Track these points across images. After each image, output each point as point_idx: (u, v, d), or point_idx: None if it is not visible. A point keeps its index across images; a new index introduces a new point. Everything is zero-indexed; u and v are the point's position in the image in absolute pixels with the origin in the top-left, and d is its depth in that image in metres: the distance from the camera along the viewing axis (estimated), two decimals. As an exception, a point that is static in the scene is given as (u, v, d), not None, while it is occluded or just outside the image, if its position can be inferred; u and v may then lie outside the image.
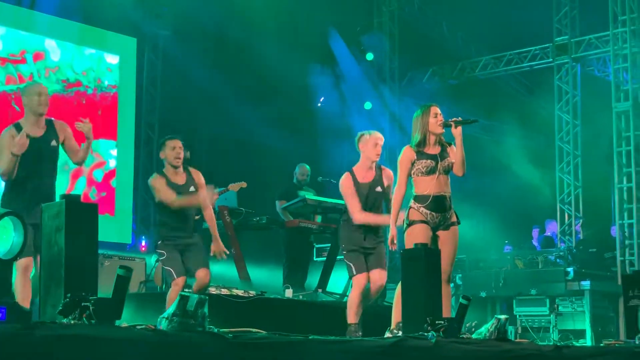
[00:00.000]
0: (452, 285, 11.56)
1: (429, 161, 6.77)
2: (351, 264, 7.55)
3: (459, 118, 6.87)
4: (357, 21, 15.33)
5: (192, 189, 7.54)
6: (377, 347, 4.99)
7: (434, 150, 6.84)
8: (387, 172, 7.73)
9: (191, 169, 7.68)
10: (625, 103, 13.05)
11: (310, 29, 13.06)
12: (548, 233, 14.87)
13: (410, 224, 6.74)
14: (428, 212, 6.73)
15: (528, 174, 14.82)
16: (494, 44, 15.57)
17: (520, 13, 14.07)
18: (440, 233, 6.81)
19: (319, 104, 15.45)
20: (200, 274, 7.38)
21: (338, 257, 10.43)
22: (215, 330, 4.68)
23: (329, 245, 10.42)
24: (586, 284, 11.65)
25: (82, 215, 5.02)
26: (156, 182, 7.49)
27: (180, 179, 7.51)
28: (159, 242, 7.44)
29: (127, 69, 13.36)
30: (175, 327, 4.50)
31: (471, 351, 5.39)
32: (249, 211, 10.25)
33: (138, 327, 4.50)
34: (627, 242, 12.86)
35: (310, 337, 4.80)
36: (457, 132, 6.80)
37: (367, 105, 15.51)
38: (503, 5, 14.06)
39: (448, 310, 6.65)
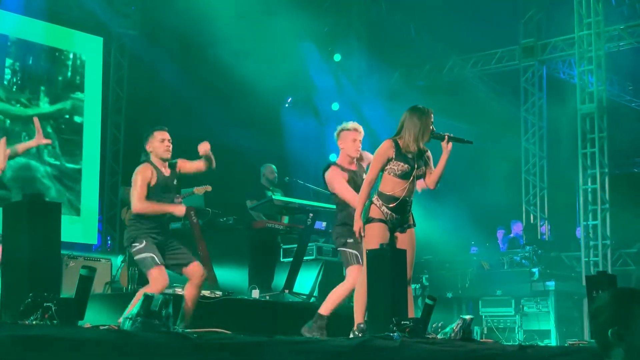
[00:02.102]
0: (418, 285, 11.66)
1: (406, 166, 6.57)
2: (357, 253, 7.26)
3: (452, 135, 6.76)
4: (325, 22, 15.33)
5: (175, 182, 7.39)
6: (343, 348, 4.99)
7: (413, 154, 6.63)
8: (366, 155, 7.52)
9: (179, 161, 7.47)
10: (590, 105, 13.16)
11: (277, 29, 13.02)
12: (513, 234, 14.97)
13: (369, 221, 6.58)
14: (389, 212, 6.59)
15: (494, 175, 14.91)
16: (461, 46, 15.65)
17: (487, 15, 14.15)
18: (397, 235, 6.68)
19: (287, 105, 15.44)
20: (195, 267, 7.25)
21: (305, 258, 10.44)
22: (180, 330, 4.65)
23: (296, 246, 10.41)
24: (551, 284, 11.74)
25: (44, 214, 4.97)
26: (142, 173, 7.15)
27: (166, 171, 7.35)
28: (134, 234, 7.07)
29: (93, 68, 13.27)
30: (139, 327, 4.47)
31: (436, 351, 5.41)
32: (215, 212, 10.20)
33: (101, 327, 4.47)
34: (591, 243, 12.97)
35: (275, 338, 4.79)
36: (448, 147, 6.67)
37: (335, 106, 15.53)
38: (470, 8, 14.14)
39: (411, 311, 6.60)
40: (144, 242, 7.04)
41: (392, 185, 6.60)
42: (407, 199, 6.65)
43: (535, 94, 15.27)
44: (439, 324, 7.03)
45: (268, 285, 10.33)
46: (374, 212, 6.60)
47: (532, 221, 14.96)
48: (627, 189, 15.06)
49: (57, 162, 12.62)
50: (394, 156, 6.59)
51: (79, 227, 12.63)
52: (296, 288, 10.04)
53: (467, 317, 6.22)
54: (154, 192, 7.17)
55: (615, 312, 2.92)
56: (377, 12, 15.87)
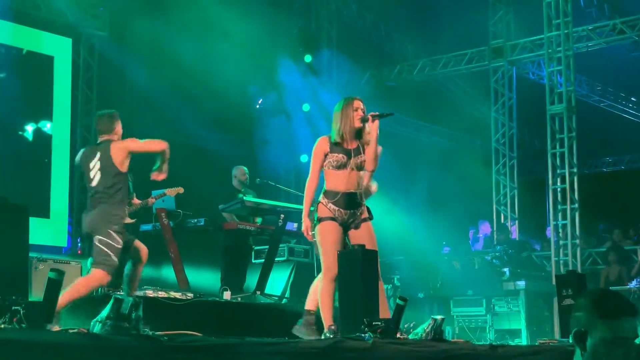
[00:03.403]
0: (390, 286, 11.66)
1: (340, 155, 6.52)
2: None
3: (377, 112, 6.67)
4: (295, 23, 15.32)
5: None
6: (314, 349, 4.99)
7: (350, 145, 6.58)
8: None
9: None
10: (559, 105, 13.26)
11: (247, 30, 12.99)
12: (481, 234, 15.05)
13: (319, 220, 6.52)
14: (336, 208, 6.50)
15: (465, 175, 14.98)
16: (431, 46, 15.71)
17: (457, 16, 14.21)
18: (351, 232, 6.60)
19: (257, 106, 15.40)
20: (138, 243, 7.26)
21: (276, 259, 10.42)
22: (150, 333, 4.63)
23: (267, 247, 10.40)
24: (521, 284, 11.81)
25: (11, 217, 4.91)
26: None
27: None
28: (115, 227, 6.88)
29: (62, 69, 13.17)
30: (108, 330, 4.44)
31: (408, 351, 5.42)
32: (186, 213, 10.16)
33: (70, 330, 4.43)
34: (561, 242, 13.06)
35: (246, 339, 4.77)
36: (374, 126, 6.57)
37: (305, 107, 15.51)
38: (440, 9, 14.20)
39: (385, 307, 6.57)
40: (121, 242, 6.95)
41: (333, 180, 6.55)
42: (353, 191, 6.55)
43: (505, 95, 15.36)
44: (411, 324, 7.04)
45: (240, 286, 10.31)
46: (322, 211, 6.53)
47: (502, 221, 15.04)
48: (596, 188, 15.20)
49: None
50: (329, 150, 6.57)
51: (49, 229, 12.53)
52: (268, 289, 10.03)
53: (439, 317, 6.24)
54: None
55: (587, 316, 2.97)
56: (347, 13, 15.89)
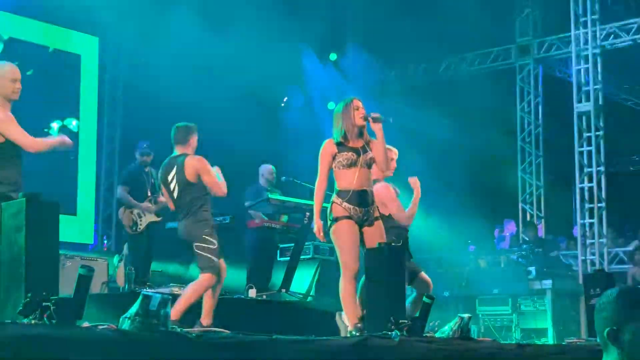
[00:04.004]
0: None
1: (350, 154, 6.61)
2: None
3: (378, 114, 6.75)
4: (321, 21, 15.31)
5: None
6: (342, 347, 4.99)
7: (355, 144, 6.68)
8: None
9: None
10: (587, 104, 13.18)
11: (274, 29, 13.01)
12: (506, 233, 14.98)
13: (335, 220, 6.56)
14: (351, 206, 6.54)
15: (490, 173, 14.92)
16: (457, 44, 15.64)
17: (483, 14, 14.14)
18: (365, 229, 6.63)
19: (282, 104, 15.42)
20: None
21: (302, 257, 10.43)
22: (178, 330, 4.65)
23: (293, 245, 10.40)
24: (548, 283, 11.74)
25: (43, 214, 4.95)
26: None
27: None
28: (206, 231, 7.26)
29: (89, 67, 13.25)
30: (137, 327, 4.46)
31: (434, 350, 5.41)
32: (212, 211, 10.18)
33: (100, 327, 4.46)
34: (588, 241, 12.98)
35: (273, 337, 4.78)
36: (376, 127, 6.66)
37: (331, 105, 15.49)
38: (466, 6, 14.12)
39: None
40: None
41: (344, 179, 6.62)
42: (364, 189, 6.62)
43: (531, 93, 15.29)
44: (436, 323, 7.04)
45: (265, 284, 10.32)
46: (337, 211, 6.57)
47: (528, 219, 14.96)
48: (623, 187, 15.09)
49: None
50: (336, 150, 6.66)
51: (76, 227, 12.62)
52: (293, 287, 10.04)
53: (465, 315, 6.23)
54: None
55: (616, 312, 2.93)
56: (373, 11, 15.85)
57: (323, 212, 6.78)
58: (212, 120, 12.63)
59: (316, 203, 6.73)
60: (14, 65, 6.51)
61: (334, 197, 6.62)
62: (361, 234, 6.62)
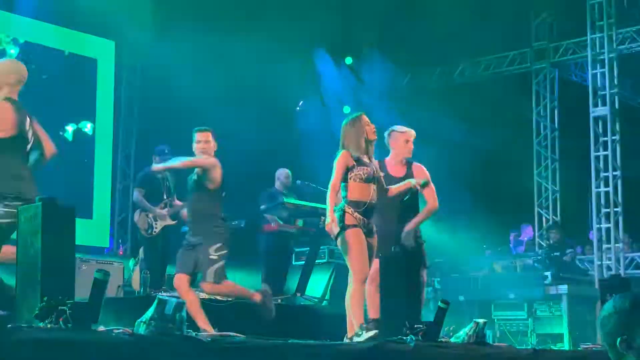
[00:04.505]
0: (430, 289, 11.64)
1: (368, 169, 6.89)
2: None
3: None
4: (336, 25, 15.31)
5: None
6: (356, 351, 4.99)
7: (367, 159, 6.97)
8: (419, 167, 7.78)
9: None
10: (603, 108, 13.13)
11: (289, 32, 13.03)
12: (524, 238, 14.91)
13: (346, 227, 6.75)
14: (362, 217, 6.78)
15: (506, 178, 14.87)
16: (473, 48, 15.61)
17: (499, 18, 14.10)
18: (368, 240, 6.85)
19: (298, 108, 15.42)
20: None
21: (317, 261, 10.43)
22: (194, 334, 4.65)
23: (308, 249, 10.40)
24: (564, 288, 11.67)
25: (59, 218, 4.97)
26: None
27: None
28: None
29: (105, 71, 13.29)
30: (153, 331, 4.47)
31: (450, 355, 5.40)
32: (227, 215, 10.20)
33: (115, 331, 4.47)
34: (604, 246, 12.92)
35: (289, 341, 4.79)
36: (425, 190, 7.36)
37: (346, 109, 15.51)
38: (482, 10, 14.09)
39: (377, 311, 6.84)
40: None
41: (359, 191, 6.83)
42: (373, 203, 6.88)
43: (547, 97, 15.23)
44: (451, 328, 7.03)
45: (280, 288, 10.32)
46: (349, 219, 6.78)
47: (544, 224, 14.89)
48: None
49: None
50: (355, 164, 6.88)
51: (92, 230, 12.66)
52: (308, 291, 10.04)
53: (481, 320, 6.21)
54: None
55: (621, 320, 2.91)
56: (388, 15, 15.83)
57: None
58: (227, 124, 12.66)
59: (331, 198, 6.86)
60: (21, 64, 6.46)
61: (345, 207, 6.82)
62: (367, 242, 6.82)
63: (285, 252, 10.84)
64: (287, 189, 10.98)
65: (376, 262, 6.91)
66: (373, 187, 6.87)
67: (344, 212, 6.78)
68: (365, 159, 6.93)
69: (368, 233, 6.83)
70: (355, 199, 6.82)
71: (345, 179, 6.86)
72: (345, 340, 6.54)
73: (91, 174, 13.03)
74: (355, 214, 6.76)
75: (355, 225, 6.74)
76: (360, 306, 6.65)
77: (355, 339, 6.28)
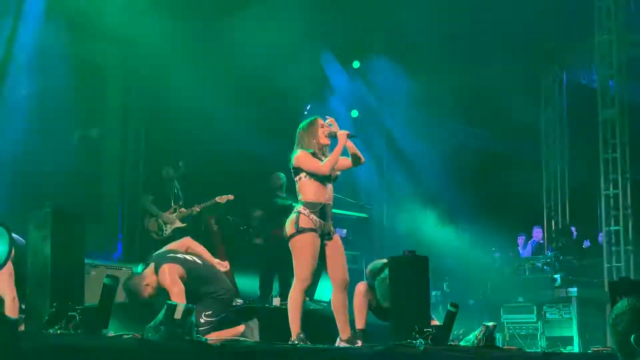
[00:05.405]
0: (439, 292, 11.61)
1: None
2: None
3: (347, 132, 6.99)
4: (344, 28, 15.32)
5: None
6: (365, 355, 4.98)
7: (322, 157, 6.90)
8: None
9: None
10: (611, 110, 13.10)
11: (297, 36, 13.03)
12: (534, 240, 14.89)
13: (301, 231, 6.67)
14: (317, 219, 6.71)
15: (515, 180, 14.85)
16: (481, 51, 15.59)
17: (507, 20, 14.09)
18: (327, 242, 6.80)
19: (305, 112, 15.41)
20: None
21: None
22: (203, 339, 4.66)
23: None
24: (573, 290, 11.66)
25: (68, 225, 4.98)
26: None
27: None
28: None
29: (114, 76, 13.30)
30: (162, 336, 4.48)
31: (460, 358, 5.39)
32: (236, 219, 10.24)
33: (125, 336, 4.48)
34: (613, 248, 12.89)
35: (298, 346, 4.79)
36: (350, 144, 7.00)
37: (354, 113, 15.51)
38: (490, 13, 14.08)
39: (346, 318, 6.78)
40: None
41: (313, 191, 6.76)
42: (329, 203, 6.82)
43: (556, 99, 15.21)
44: (461, 331, 7.02)
45: (289, 293, 10.30)
46: (304, 222, 6.70)
47: (553, 227, 14.88)
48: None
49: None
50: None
51: (100, 235, 12.66)
52: (317, 295, 10.03)
53: (490, 324, 6.20)
54: None
55: (635, 318, 2.91)
56: (397, 19, 15.82)
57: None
58: (235, 129, 12.70)
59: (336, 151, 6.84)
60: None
61: (301, 208, 6.75)
62: (322, 246, 6.78)
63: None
64: (283, 192, 10.99)
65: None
66: (327, 186, 6.80)
67: (299, 213, 6.70)
68: (323, 158, 6.86)
69: (325, 237, 6.77)
70: (310, 199, 6.73)
71: (300, 177, 6.81)
72: (338, 344, 6.52)
73: (100, 179, 13.04)
74: (312, 215, 6.68)
75: (311, 229, 6.66)
76: (299, 314, 6.63)
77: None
